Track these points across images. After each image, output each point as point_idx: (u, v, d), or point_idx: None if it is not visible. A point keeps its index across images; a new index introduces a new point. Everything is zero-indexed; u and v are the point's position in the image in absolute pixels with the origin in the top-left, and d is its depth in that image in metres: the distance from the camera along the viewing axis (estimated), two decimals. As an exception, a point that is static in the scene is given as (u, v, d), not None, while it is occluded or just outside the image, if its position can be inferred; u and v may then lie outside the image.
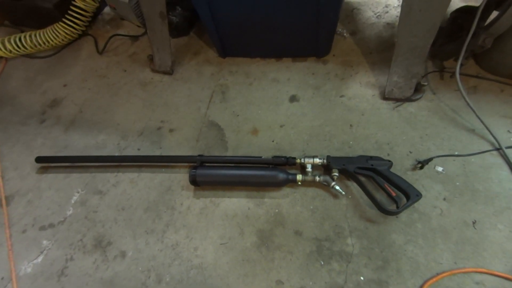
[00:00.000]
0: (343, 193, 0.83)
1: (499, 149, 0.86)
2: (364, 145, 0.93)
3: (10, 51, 1.35)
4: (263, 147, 0.98)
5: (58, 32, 1.32)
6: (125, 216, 0.91)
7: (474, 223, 0.77)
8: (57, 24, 1.32)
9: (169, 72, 1.23)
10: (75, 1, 1.26)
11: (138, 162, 1.00)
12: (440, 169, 0.85)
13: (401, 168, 0.87)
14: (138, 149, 1.04)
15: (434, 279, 0.70)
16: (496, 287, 0.69)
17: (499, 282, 0.69)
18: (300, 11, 0.98)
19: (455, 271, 0.71)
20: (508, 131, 0.89)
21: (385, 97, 1.01)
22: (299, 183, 0.86)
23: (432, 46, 0.88)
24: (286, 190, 0.89)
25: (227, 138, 1.02)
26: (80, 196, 0.97)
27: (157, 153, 1.03)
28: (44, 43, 1.35)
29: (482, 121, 0.88)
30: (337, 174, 0.84)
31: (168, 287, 0.78)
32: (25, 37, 1.34)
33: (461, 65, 0.90)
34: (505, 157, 0.84)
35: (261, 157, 0.92)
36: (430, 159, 0.86)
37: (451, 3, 0.83)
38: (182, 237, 0.85)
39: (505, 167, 0.83)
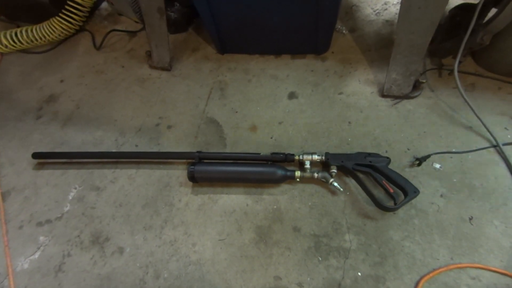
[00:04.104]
0: (341, 189, 0.83)
1: (496, 146, 0.86)
2: (363, 142, 0.94)
3: (6, 46, 1.33)
4: (261, 143, 0.98)
5: (55, 27, 1.31)
6: (123, 212, 0.90)
7: (470, 219, 0.77)
8: (53, 19, 1.30)
9: (167, 69, 1.22)
10: (72, -4, 1.25)
11: (136, 158, 0.99)
12: (437, 166, 0.86)
13: (399, 165, 0.87)
14: (136, 146, 1.04)
15: (431, 275, 0.71)
16: (492, 283, 0.70)
17: (495, 278, 0.70)
18: (299, 7, 0.98)
19: (451, 266, 0.72)
20: (505, 128, 0.89)
21: (383, 95, 1.01)
22: (298, 179, 0.86)
23: (430, 43, 0.88)
24: (284, 186, 0.89)
25: (225, 135, 1.02)
26: (78, 192, 0.96)
27: (155, 149, 1.02)
28: (40, 38, 1.33)
29: (479, 119, 0.89)
30: (335, 170, 0.85)
31: (166, 283, 0.78)
32: (21, 32, 1.32)
33: (459, 62, 0.90)
34: (502, 154, 0.85)
35: (259, 153, 0.92)
36: (428, 156, 0.86)
37: (450, 0, 0.83)
38: (180, 233, 0.85)
39: (502, 164, 0.84)
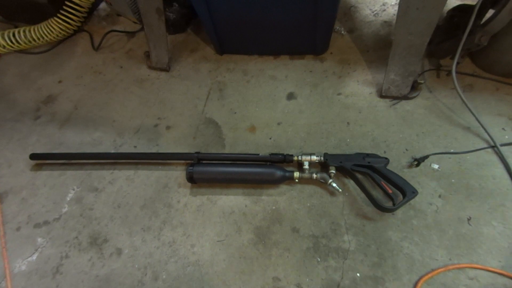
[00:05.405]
0: (340, 190, 0.83)
1: (494, 146, 0.87)
2: (361, 142, 0.94)
3: (4, 47, 1.33)
4: (260, 144, 0.98)
5: (53, 28, 1.30)
6: (121, 214, 0.90)
7: (469, 219, 0.78)
8: (51, 19, 1.30)
9: (166, 69, 1.22)
10: (70, -4, 1.24)
11: (134, 159, 0.99)
12: (436, 166, 0.86)
13: (398, 166, 0.87)
14: (135, 146, 1.04)
15: (429, 275, 0.71)
16: (490, 283, 0.70)
17: (493, 278, 0.70)
18: (298, 8, 0.98)
19: (450, 267, 0.72)
20: (503, 129, 0.90)
21: (382, 95, 1.01)
22: (296, 180, 0.86)
23: (428, 44, 0.88)
24: (283, 187, 0.89)
25: (224, 136, 1.02)
26: (76, 194, 0.96)
27: (154, 150, 1.02)
28: (38, 39, 1.33)
29: (477, 119, 0.89)
30: (334, 171, 0.85)
31: (165, 284, 0.78)
32: (19, 32, 1.32)
33: (457, 63, 0.90)
34: (499, 154, 0.85)
35: (258, 154, 0.92)
36: (426, 157, 0.86)
37: (448, 1, 0.83)
38: (178, 234, 0.85)
39: (500, 165, 0.84)
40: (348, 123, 0.98)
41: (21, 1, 1.34)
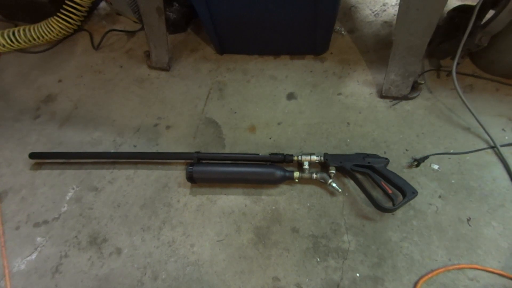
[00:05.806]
0: (340, 190, 0.83)
1: (493, 147, 0.87)
2: (361, 143, 0.94)
3: (4, 46, 1.32)
4: (260, 144, 0.98)
5: (53, 27, 1.30)
6: (121, 213, 0.90)
7: (468, 220, 0.78)
8: (51, 18, 1.30)
9: (166, 69, 1.22)
10: (70, -5, 1.24)
11: (134, 158, 0.99)
12: (435, 167, 0.86)
13: (398, 166, 0.87)
14: (134, 146, 1.04)
15: (429, 275, 0.71)
16: (490, 283, 0.70)
17: (493, 278, 0.70)
18: (298, 8, 0.98)
19: (449, 267, 0.72)
20: (503, 129, 0.90)
21: (382, 95, 1.01)
22: (296, 180, 0.86)
23: (429, 44, 0.88)
24: (283, 187, 0.89)
25: (224, 135, 1.02)
26: (75, 193, 0.96)
27: (154, 150, 1.02)
28: (38, 38, 1.32)
29: (477, 120, 0.89)
30: (334, 171, 0.85)
31: (164, 284, 0.78)
32: (18, 31, 1.32)
33: (458, 64, 0.90)
34: (499, 155, 0.85)
35: (258, 154, 0.92)
36: (426, 157, 0.86)
37: (448, 2, 0.83)
38: (178, 234, 0.85)
39: (500, 165, 0.84)
40: (348, 123, 0.98)
41: (21, 0, 1.34)
